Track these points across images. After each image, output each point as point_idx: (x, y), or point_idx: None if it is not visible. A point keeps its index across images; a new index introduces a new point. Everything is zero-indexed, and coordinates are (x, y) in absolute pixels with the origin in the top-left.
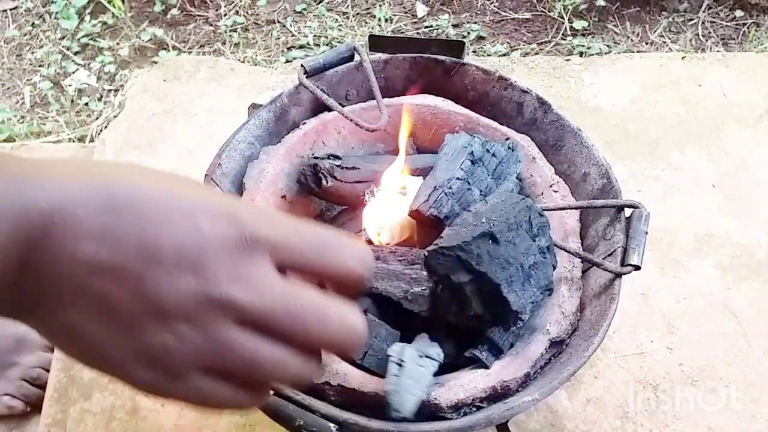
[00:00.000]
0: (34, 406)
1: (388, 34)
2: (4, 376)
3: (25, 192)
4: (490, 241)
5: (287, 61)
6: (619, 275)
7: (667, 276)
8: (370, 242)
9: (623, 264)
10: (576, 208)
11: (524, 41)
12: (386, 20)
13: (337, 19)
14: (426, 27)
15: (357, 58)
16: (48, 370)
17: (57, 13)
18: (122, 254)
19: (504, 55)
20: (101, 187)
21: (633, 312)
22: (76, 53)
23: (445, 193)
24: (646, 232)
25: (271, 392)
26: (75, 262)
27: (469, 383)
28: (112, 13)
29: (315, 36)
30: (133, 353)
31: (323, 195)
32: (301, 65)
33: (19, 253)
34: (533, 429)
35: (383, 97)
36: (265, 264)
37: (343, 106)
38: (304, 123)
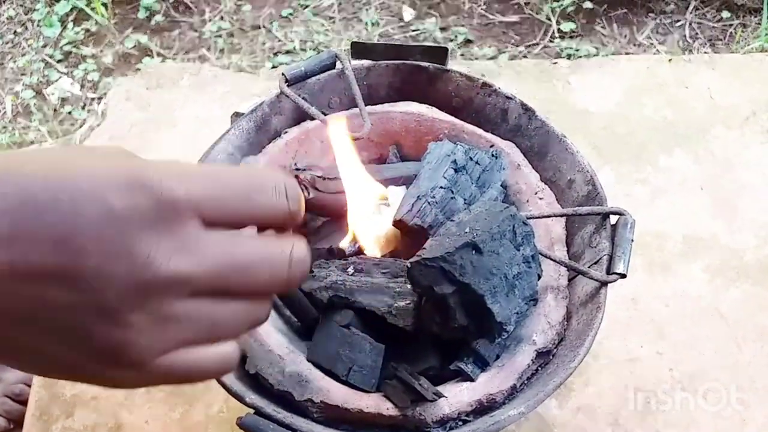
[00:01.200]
0: (17, 423)
1: (372, 41)
2: None
3: None
4: (474, 252)
5: (273, 67)
6: (605, 284)
7: (657, 280)
8: (359, 252)
9: (609, 272)
10: (561, 216)
11: (512, 44)
12: (373, 24)
13: (323, 24)
14: (413, 31)
15: (339, 65)
16: (30, 386)
17: (39, 20)
18: (41, 258)
19: (492, 58)
20: (12, 191)
21: (623, 317)
22: (58, 61)
23: (429, 203)
24: (632, 240)
25: (252, 411)
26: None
27: (454, 397)
28: (95, 20)
29: (301, 41)
30: (90, 358)
31: (305, 206)
32: (282, 74)
33: None
34: None
35: (366, 105)
36: (194, 225)
37: (325, 115)
38: (286, 132)
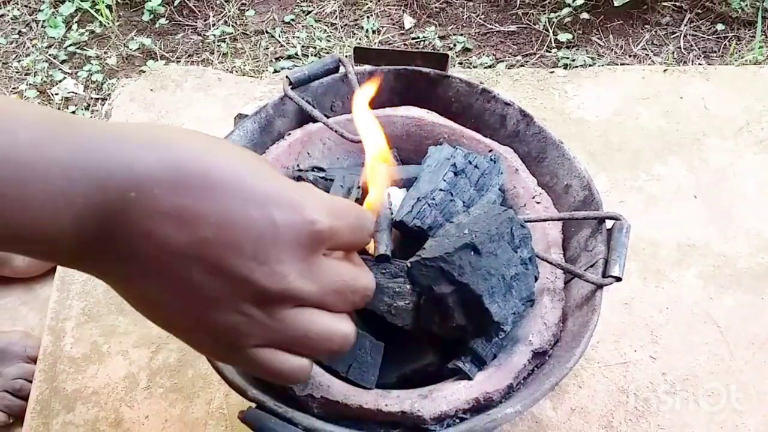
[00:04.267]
0: (17, 418)
1: (374, 46)
2: None
3: (101, 166)
4: (472, 253)
5: (275, 71)
6: (600, 286)
7: (650, 286)
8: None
9: (604, 275)
10: (558, 220)
11: (510, 53)
12: (374, 32)
13: (325, 30)
14: (413, 39)
15: (342, 69)
16: (30, 381)
17: (44, 21)
18: (200, 239)
19: (489, 66)
20: (173, 165)
21: (616, 322)
22: (63, 62)
23: (429, 204)
24: (627, 244)
25: (254, 405)
26: (152, 242)
27: (452, 395)
28: (100, 21)
29: (303, 46)
30: (201, 326)
31: None
32: (286, 77)
33: (97, 224)
34: None
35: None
36: (322, 252)
37: (328, 117)
38: (289, 134)
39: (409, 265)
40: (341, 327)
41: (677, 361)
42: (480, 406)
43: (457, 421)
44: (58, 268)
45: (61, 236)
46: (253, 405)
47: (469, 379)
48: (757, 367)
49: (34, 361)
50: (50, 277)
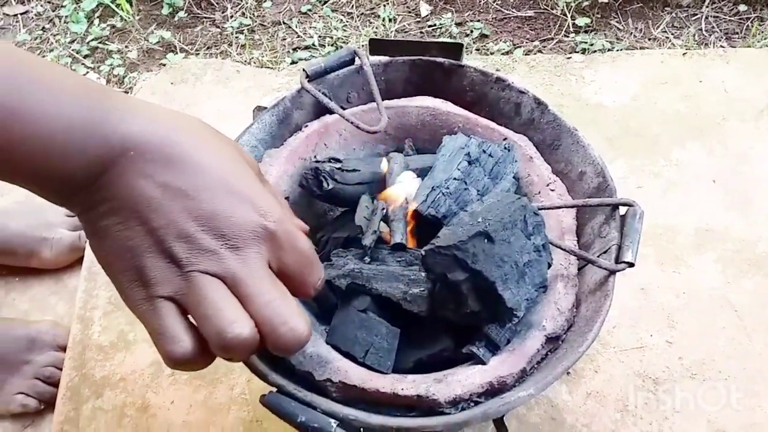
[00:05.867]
0: (48, 404)
1: (391, 35)
2: (18, 374)
3: (115, 125)
4: (486, 240)
5: (293, 62)
6: (613, 272)
7: (667, 271)
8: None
9: (617, 261)
10: (571, 207)
11: (527, 39)
12: (390, 20)
13: (341, 20)
14: (429, 26)
15: (358, 61)
16: (60, 369)
17: (67, 17)
18: (167, 199)
19: (507, 53)
20: (171, 144)
21: (633, 307)
22: (85, 56)
23: (443, 193)
24: (641, 230)
25: (275, 389)
26: (130, 190)
27: (466, 379)
28: (121, 16)
29: (320, 36)
30: (130, 267)
31: (325, 197)
32: (303, 69)
33: (98, 170)
34: (534, 423)
35: (383, 100)
36: (265, 256)
37: (344, 109)
38: (306, 126)
39: (423, 253)
40: (237, 327)
41: (694, 345)
42: (494, 390)
43: (472, 404)
44: (85, 259)
45: (69, 177)
46: (274, 389)
47: (484, 363)
48: None
49: (63, 349)
50: (77, 268)
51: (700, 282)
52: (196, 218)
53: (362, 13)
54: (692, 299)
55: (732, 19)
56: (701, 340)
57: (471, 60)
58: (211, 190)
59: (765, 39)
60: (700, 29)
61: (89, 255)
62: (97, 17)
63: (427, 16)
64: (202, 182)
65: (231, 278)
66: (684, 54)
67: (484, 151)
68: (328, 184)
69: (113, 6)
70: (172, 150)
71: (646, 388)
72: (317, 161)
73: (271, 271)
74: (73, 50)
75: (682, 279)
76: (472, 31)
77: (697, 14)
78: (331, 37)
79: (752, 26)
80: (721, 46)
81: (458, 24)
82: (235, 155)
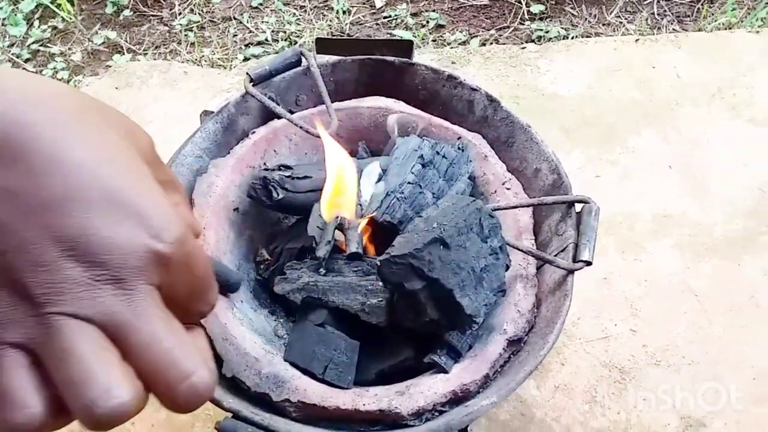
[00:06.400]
0: None
1: (344, 30)
2: None
3: None
4: (441, 247)
5: (245, 59)
6: (571, 272)
7: (628, 259)
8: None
9: (575, 260)
10: (527, 206)
11: (483, 27)
12: (344, 12)
13: (294, 13)
14: (384, 17)
15: (304, 62)
16: None
17: (4, 19)
18: (36, 204)
19: (463, 43)
20: (20, 128)
21: (596, 297)
22: (26, 60)
23: (398, 199)
24: (597, 227)
25: (230, 414)
26: None
27: (429, 389)
28: (62, 17)
29: (273, 31)
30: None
31: (276, 207)
32: (247, 73)
33: None
34: (504, 420)
35: (334, 101)
36: (156, 284)
37: (292, 113)
38: (254, 132)
39: (378, 263)
40: (115, 395)
41: (657, 332)
42: (457, 398)
43: (436, 414)
44: None
45: None
46: (230, 414)
47: (446, 372)
48: (735, 333)
49: None
50: None
51: (661, 268)
52: (59, 240)
53: (315, 6)
54: (653, 286)
55: (683, 2)
56: (664, 326)
57: (427, 52)
58: (80, 199)
59: (715, 21)
60: (653, 13)
61: None
62: (37, 18)
63: (381, 7)
64: (67, 187)
65: (110, 324)
66: (636, 41)
67: (438, 153)
68: (277, 194)
69: (53, 6)
70: (20, 137)
71: (613, 378)
72: (266, 169)
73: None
74: (12, 54)
75: (643, 266)
76: (428, 22)
77: None
78: (284, 32)
79: (702, 9)
80: (674, 30)
81: (414, 14)
82: (120, 144)
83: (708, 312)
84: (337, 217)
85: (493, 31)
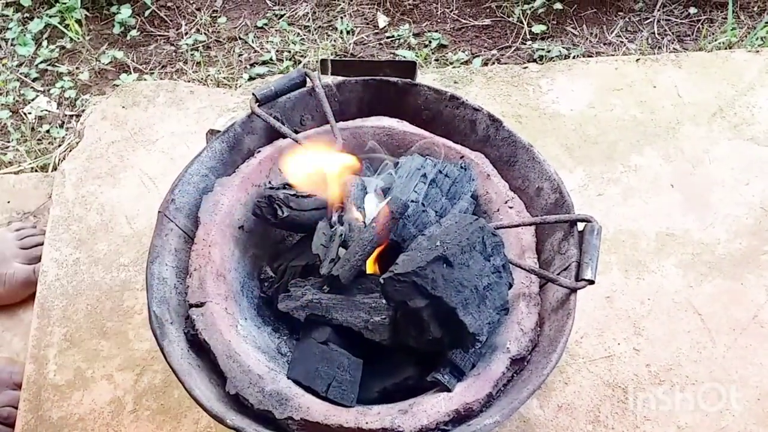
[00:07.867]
0: None
1: (348, 50)
2: None
3: None
4: (444, 265)
5: (250, 78)
6: (574, 290)
7: (631, 278)
8: None
9: (578, 279)
10: (530, 224)
11: (485, 47)
12: (348, 32)
13: (299, 33)
14: (388, 37)
15: (309, 83)
16: (17, 408)
17: (13, 39)
18: None
19: (465, 62)
20: None
21: (599, 316)
22: (34, 80)
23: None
24: (599, 245)
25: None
26: None
27: (432, 408)
28: (70, 37)
29: (277, 51)
30: None
31: (281, 225)
32: (253, 94)
33: None
34: None
35: (338, 121)
36: None
37: (297, 132)
38: (259, 151)
39: (382, 281)
40: None
41: (660, 351)
42: (460, 417)
43: None
44: (38, 294)
45: None
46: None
47: (449, 390)
48: (739, 352)
49: (20, 387)
50: (32, 303)
51: (664, 287)
52: None
53: (320, 26)
54: (657, 305)
55: (683, 21)
56: (667, 345)
57: (429, 72)
58: None
59: (716, 41)
60: (653, 33)
61: (42, 290)
62: (46, 38)
63: (384, 27)
64: None
65: None
66: (637, 60)
67: (441, 172)
68: (282, 212)
69: (61, 27)
70: None
71: (616, 397)
72: (271, 188)
73: None
74: (21, 74)
75: (646, 285)
76: (430, 42)
77: (649, 18)
78: (289, 51)
79: (703, 28)
80: (675, 49)
81: (416, 35)
82: None
83: (711, 331)
84: (342, 234)
85: (495, 51)
